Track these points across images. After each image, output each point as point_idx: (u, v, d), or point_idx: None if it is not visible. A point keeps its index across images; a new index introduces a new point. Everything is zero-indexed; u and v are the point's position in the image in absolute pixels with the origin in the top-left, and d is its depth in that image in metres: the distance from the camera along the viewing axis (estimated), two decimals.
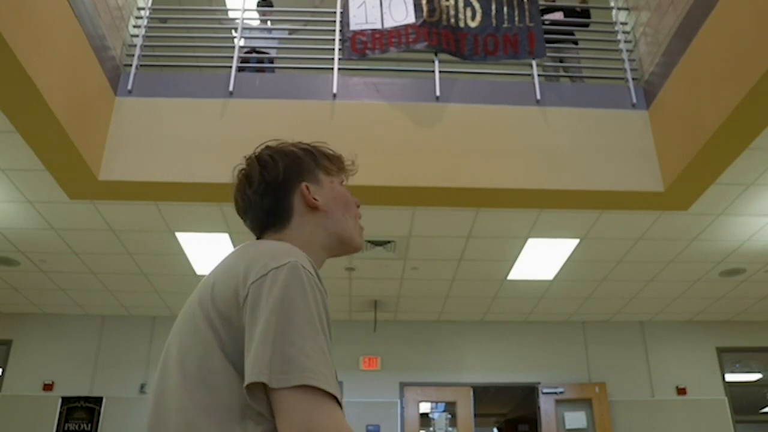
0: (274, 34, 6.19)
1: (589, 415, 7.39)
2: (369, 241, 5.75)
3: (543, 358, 7.69)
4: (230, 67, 5.10)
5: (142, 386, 7.29)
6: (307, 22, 6.13)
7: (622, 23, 5.59)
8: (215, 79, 5.08)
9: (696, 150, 4.34)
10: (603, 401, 7.37)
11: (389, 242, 5.76)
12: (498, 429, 13.21)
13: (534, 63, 5.24)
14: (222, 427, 1.02)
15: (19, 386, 7.23)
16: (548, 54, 5.54)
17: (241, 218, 1.36)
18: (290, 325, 1.01)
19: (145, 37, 5.29)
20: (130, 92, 4.95)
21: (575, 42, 5.98)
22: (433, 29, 5.13)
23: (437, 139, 4.89)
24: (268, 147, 1.36)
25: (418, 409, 7.45)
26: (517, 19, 5.30)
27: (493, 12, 5.29)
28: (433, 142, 4.87)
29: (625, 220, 5.31)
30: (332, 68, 5.13)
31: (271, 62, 5.86)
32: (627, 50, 5.38)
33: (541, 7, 5.61)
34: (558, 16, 5.92)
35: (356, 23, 5.23)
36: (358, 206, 1.47)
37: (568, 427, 7.38)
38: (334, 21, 5.37)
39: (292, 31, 6.19)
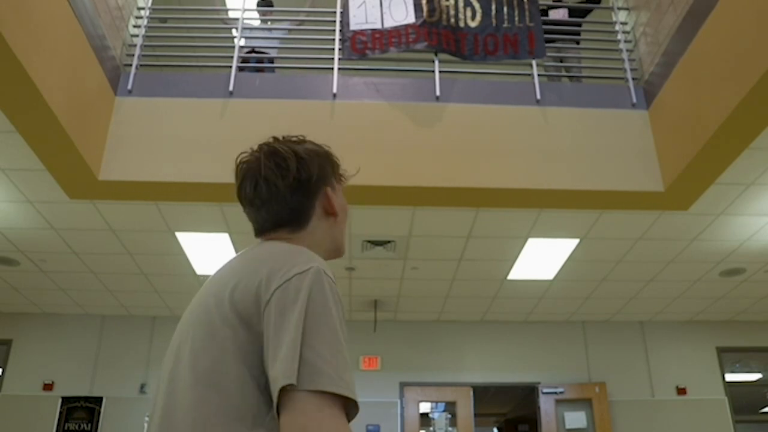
0: (274, 34, 6.19)
1: (589, 415, 7.39)
2: (369, 241, 5.75)
3: (543, 358, 7.69)
4: (230, 67, 5.10)
5: (142, 386, 7.29)
6: (306, 22, 6.12)
7: (622, 23, 5.59)
8: (215, 79, 5.08)
9: (696, 150, 4.34)
10: (603, 401, 7.37)
11: (389, 242, 5.76)
12: (498, 429, 13.21)
13: (534, 63, 5.24)
14: (232, 430, 1.02)
15: (19, 386, 7.23)
16: (548, 54, 5.54)
17: (252, 207, 1.30)
18: (314, 331, 1.02)
19: (145, 37, 5.29)
20: (130, 92, 4.95)
21: (577, 42, 5.98)
22: (433, 29, 5.13)
23: (437, 139, 4.89)
24: (300, 142, 1.34)
25: (418, 409, 7.45)
26: (517, 18, 5.30)
27: (493, 12, 5.29)
28: (433, 142, 4.87)
29: (625, 220, 5.31)
30: (332, 68, 5.13)
31: (272, 62, 5.86)
32: (627, 50, 5.38)
33: (541, 7, 5.61)
34: (561, 13, 5.90)
35: (356, 23, 5.23)
36: None
37: (568, 427, 7.37)
38: (334, 21, 5.37)
39: (291, 30, 6.19)
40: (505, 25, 5.27)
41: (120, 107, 4.90)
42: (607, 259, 6.10)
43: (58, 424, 7.04)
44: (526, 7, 5.34)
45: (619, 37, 5.49)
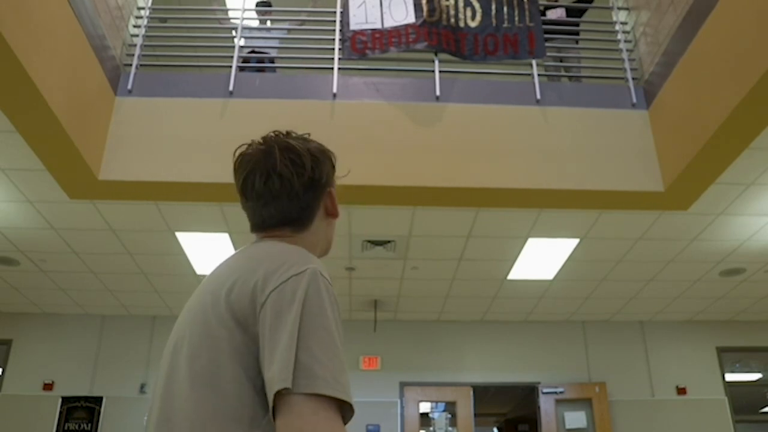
0: (274, 34, 6.19)
1: (589, 415, 7.39)
2: (369, 241, 5.75)
3: (543, 357, 7.69)
4: (230, 67, 5.10)
5: (142, 386, 7.29)
6: (306, 21, 6.12)
7: (622, 23, 5.59)
8: (215, 79, 5.08)
9: (696, 150, 4.34)
10: (603, 401, 7.37)
11: (389, 242, 5.76)
12: (498, 429, 13.21)
13: (534, 63, 5.24)
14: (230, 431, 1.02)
15: (19, 386, 7.23)
16: (548, 54, 5.54)
17: (258, 202, 1.27)
18: (310, 334, 1.01)
19: (145, 37, 5.29)
20: (130, 92, 4.95)
21: (577, 41, 5.98)
22: (433, 29, 5.13)
23: (437, 139, 4.89)
24: (307, 139, 1.33)
25: (418, 408, 7.45)
26: (517, 18, 5.30)
27: (493, 12, 5.29)
28: (433, 142, 4.87)
29: (625, 219, 5.31)
30: (332, 68, 5.13)
31: (272, 62, 5.86)
32: (627, 50, 5.38)
33: (541, 7, 5.61)
34: (560, 13, 5.91)
35: (356, 23, 5.23)
36: None
37: (568, 426, 7.38)
38: (334, 21, 5.37)
39: (291, 31, 6.19)
40: (505, 25, 5.27)
41: (120, 107, 4.90)
42: (607, 259, 6.10)
43: (58, 424, 7.04)
44: (526, 7, 5.34)
45: (619, 36, 5.49)
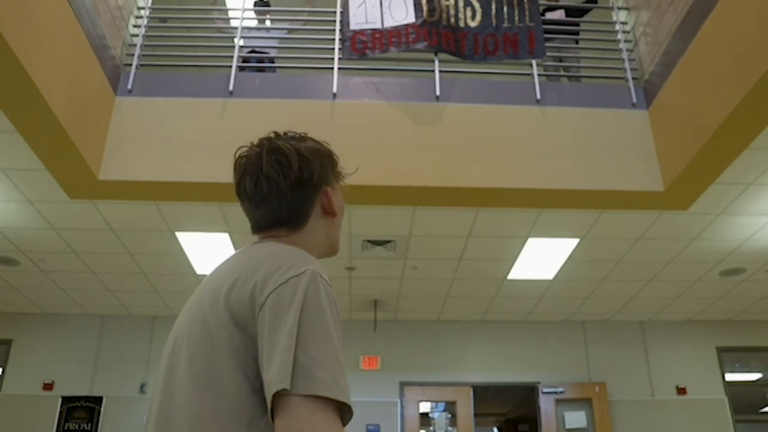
0: (274, 34, 6.19)
1: (589, 415, 7.40)
2: (369, 241, 5.75)
3: (543, 357, 7.69)
4: (230, 66, 5.10)
5: (142, 386, 7.29)
6: (306, 21, 6.12)
7: (622, 23, 5.59)
8: (215, 79, 5.08)
9: (696, 150, 4.34)
10: (603, 401, 7.37)
11: (389, 242, 5.76)
12: (498, 429, 13.21)
13: (534, 63, 5.24)
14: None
15: (19, 386, 7.23)
16: (548, 54, 5.54)
17: (250, 203, 1.28)
18: (309, 335, 1.01)
19: (145, 37, 5.29)
20: (130, 92, 4.95)
21: (576, 41, 5.98)
22: (433, 29, 5.13)
23: (437, 139, 4.89)
24: (302, 139, 1.33)
25: (418, 408, 7.45)
26: (517, 18, 5.30)
27: (493, 12, 5.29)
28: (433, 142, 4.87)
29: (625, 219, 5.32)
30: (332, 68, 5.13)
31: (272, 62, 5.86)
32: (627, 50, 5.38)
33: (541, 7, 5.61)
34: (558, 14, 5.91)
35: (356, 23, 5.23)
36: None
37: (568, 426, 7.38)
38: (334, 21, 5.37)
39: (291, 31, 6.19)
40: (505, 24, 5.27)
41: (120, 107, 4.90)
42: (607, 258, 6.10)
43: (58, 424, 7.04)
44: (526, 6, 5.34)
45: (619, 36, 5.49)
